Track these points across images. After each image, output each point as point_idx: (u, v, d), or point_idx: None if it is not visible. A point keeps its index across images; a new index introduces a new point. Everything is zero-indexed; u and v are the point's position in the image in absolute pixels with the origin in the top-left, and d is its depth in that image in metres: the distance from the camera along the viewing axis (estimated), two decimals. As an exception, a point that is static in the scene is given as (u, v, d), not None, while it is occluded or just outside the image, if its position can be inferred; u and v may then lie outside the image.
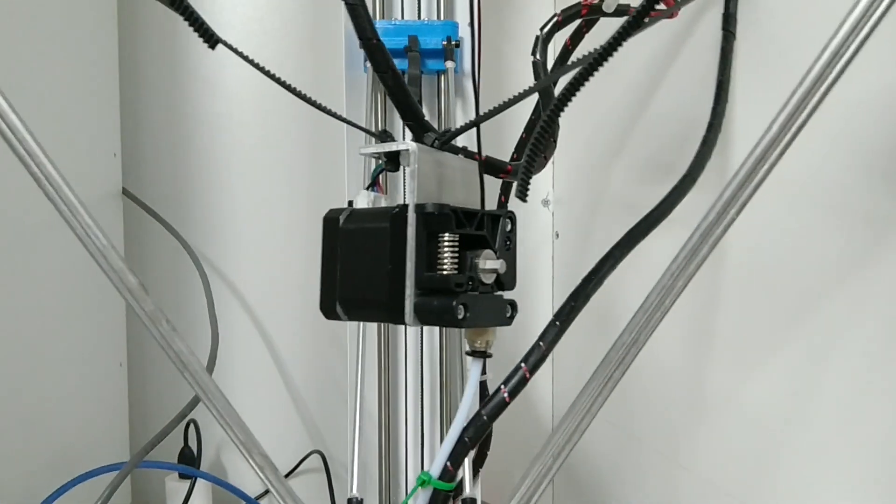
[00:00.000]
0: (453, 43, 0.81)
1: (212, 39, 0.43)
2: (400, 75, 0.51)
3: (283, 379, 1.12)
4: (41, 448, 0.89)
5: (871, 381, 0.59)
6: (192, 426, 0.97)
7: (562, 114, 0.44)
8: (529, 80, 0.65)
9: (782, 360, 0.68)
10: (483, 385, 0.84)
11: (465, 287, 0.48)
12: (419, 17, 0.86)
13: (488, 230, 0.51)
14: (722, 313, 0.77)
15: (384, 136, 0.53)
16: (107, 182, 1.07)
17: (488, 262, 0.49)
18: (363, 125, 0.74)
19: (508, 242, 0.53)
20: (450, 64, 0.81)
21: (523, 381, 0.53)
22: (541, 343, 0.54)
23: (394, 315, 0.49)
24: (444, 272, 0.48)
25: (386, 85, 0.51)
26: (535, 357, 0.54)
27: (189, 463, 0.97)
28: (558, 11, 0.66)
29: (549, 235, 1.26)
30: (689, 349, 0.82)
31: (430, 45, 0.81)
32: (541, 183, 1.25)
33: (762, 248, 0.71)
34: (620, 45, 0.41)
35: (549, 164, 1.24)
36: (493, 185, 0.60)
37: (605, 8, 0.64)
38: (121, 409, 1.09)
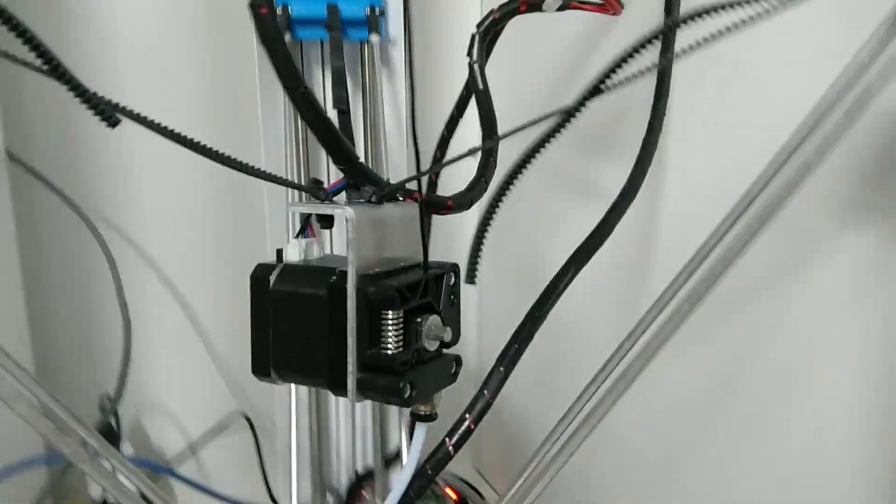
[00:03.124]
0: (377, 11, 0.73)
1: (110, 120, 0.36)
2: (332, 123, 0.45)
3: (203, 341, 1.08)
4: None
5: (796, 380, 0.61)
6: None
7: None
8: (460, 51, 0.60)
9: (705, 358, 0.70)
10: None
11: (410, 364, 0.46)
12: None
13: (433, 292, 0.48)
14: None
15: (316, 186, 0.48)
16: (-15, 142, 0.95)
17: (434, 331, 0.47)
18: (281, 142, 0.67)
19: (453, 297, 0.50)
20: (374, 38, 0.73)
21: (468, 433, 0.52)
22: (485, 392, 0.53)
23: (334, 387, 0.46)
24: (389, 352, 0.45)
25: (317, 134, 0.45)
26: (481, 406, 0.53)
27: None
28: (495, 7, 0.61)
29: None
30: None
31: (351, 13, 0.73)
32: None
33: (692, 245, 0.71)
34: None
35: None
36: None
37: (545, 8, 0.59)
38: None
